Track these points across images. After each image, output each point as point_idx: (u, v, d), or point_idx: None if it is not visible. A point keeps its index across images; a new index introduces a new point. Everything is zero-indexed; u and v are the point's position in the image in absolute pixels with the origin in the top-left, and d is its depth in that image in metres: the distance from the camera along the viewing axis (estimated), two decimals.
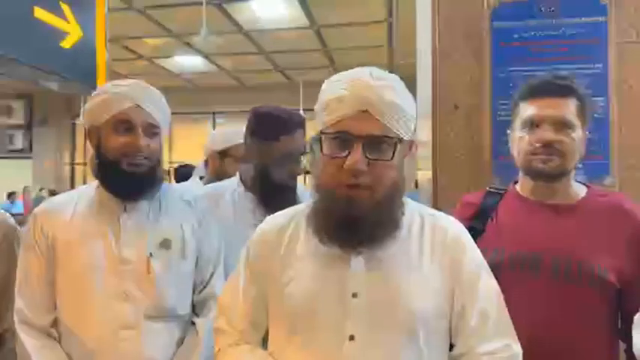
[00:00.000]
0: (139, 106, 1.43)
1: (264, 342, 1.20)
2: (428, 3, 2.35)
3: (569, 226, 1.39)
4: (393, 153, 1.04)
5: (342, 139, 1.03)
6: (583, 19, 2.23)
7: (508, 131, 1.54)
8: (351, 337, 1.04)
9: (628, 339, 1.35)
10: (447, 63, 2.30)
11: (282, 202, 1.70)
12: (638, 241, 1.38)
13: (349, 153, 1.02)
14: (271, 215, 1.27)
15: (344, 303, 1.06)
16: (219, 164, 2.32)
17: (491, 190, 1.55)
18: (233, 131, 2.41)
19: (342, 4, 6.41)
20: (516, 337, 1.12)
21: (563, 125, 1.37)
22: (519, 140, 1.42)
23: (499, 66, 2.26)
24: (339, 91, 1.05)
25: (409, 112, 1.07)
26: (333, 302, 1.07)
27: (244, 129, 1.83)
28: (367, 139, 1.02)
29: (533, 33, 2.26)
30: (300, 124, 1.78)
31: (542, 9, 2.26)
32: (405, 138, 1.07)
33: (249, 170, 1.80)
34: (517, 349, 1.10)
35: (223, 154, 2.31)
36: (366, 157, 1.02)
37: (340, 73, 1.10)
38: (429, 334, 1.08)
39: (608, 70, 2.18)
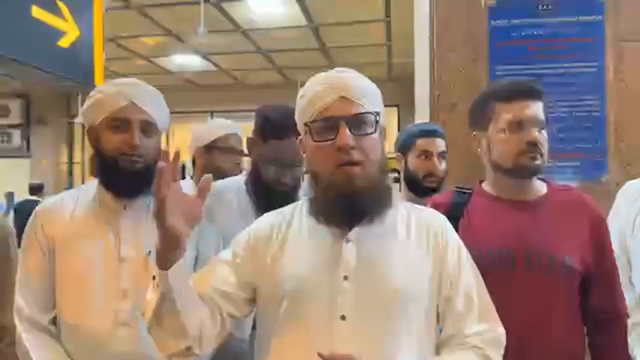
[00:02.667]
0: (134, 103, 1.43)
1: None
2: (426, 2, 2.36)
3: (537, 220, 1.46)
4: (375, 127, 1.17)
5: (329, 123, 1.14)
6: (580, 17, 2.24)
7: (474, 133, 1.55)
8: (342, 317, 1.11)
9: (593, 331, 1.45)
10: (445, 62, 2.31)
11: (272, 205, 1.62)
12: (596, 231, 1.47)
13: (337, 134, 1.12)
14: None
15: (336, 285, 1.13)
16: (208, 159, 2.25)
17: (458, 189, 1.59)
18: (217, 123, 2.37)
19: (340, 3, 6.40)
20: (499, 319, 1.19)
21: (541, 126, 1.45)
22: (505, 140, 1.46)
23: (497, 64, 2.27)
24: (318, 86, 1.18)
25: (377, 92, 1.22)
26: (326, 285, 1.14)
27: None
28: (350, 118, 1.14)
29: (530, 31, 2.27)
30: (296, 131, 1.70)
31: (540, 7, 2.27)
32: (380, 113, 1.19)
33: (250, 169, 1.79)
34: (501, 330, 1.19)
35: (210, 148, 2.26)
36: (353, 133, 1.13)
37: (314, 76, 1.23)
38: (418, 315, 1.15)
39: (604, 68, 2.19)
